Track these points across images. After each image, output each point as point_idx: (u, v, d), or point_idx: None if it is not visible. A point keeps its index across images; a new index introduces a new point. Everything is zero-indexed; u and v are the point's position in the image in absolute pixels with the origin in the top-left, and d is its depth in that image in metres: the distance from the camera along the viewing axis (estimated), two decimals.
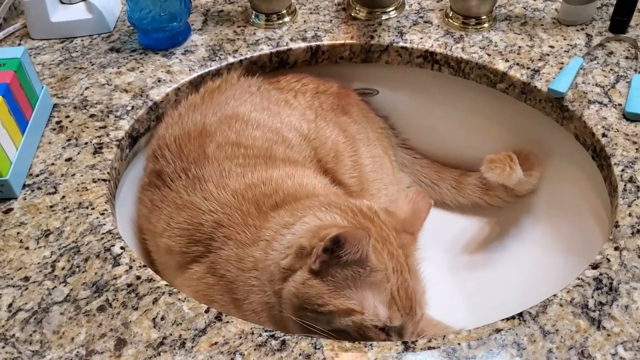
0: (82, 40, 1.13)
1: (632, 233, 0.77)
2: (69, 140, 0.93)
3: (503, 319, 0.69)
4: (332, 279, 0.72)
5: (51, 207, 0.83)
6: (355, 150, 1.02)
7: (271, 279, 0.76)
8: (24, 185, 0.86)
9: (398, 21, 1.13)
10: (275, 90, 1.04)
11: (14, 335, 0.69)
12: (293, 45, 1.10)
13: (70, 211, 0.82)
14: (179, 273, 0.84)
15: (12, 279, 0.75)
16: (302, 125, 0.99)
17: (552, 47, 1.06)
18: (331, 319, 0.71)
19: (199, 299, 0.74)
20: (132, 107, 0.98)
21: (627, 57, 1.02)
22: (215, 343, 0.67)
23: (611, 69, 1.00)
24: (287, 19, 1.14)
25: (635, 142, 0.88)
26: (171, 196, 0.88)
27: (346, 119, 1.06)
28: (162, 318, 0.70)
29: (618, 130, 0.90)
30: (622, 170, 0.85)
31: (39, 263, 0.76)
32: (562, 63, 1.02)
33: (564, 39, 1.07)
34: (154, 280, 0.74)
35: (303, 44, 1.10)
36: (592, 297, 0.71)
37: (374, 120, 1.15)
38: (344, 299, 0.71)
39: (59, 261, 0.77)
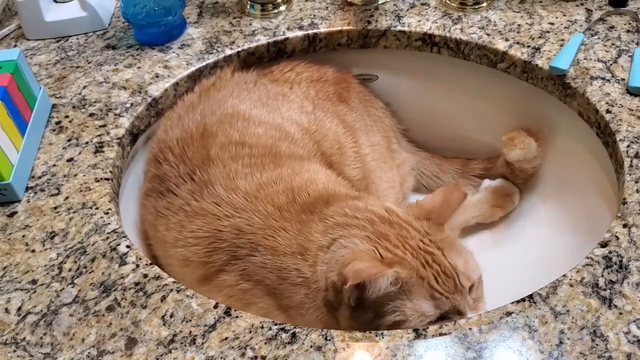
0: (77, 38, 1.12)
1: None
2: (69, 140, 0.92)
3: (513, 302, 0.69)
4: (372, 306, 0.73)
5: (55, 208, 0.83)
6: (356, 141, 1.01)
7: (325, 295, 0.76)
8: (27, 188, 0.86)
9: (395, 5, 1.12)
10: (271, 83, 1.03)
11: (24, 338, 0.69)
12: (290, 35, 1.09)
13: (74, 212, 0.82)
14: (205, 283, 0.82)
15: (19, 282, 0.75)
16: (302, 118, 0.98)
17: (552, 24, 1.04)
18: (388, 329, 0.72)
19: (234, 304, 0.74)
20: (131, 104, 0.97)
21: (628, 31, 1.01)
22: (226, 338, 0.67)
23: (613, 44, 0.99)
24: (282, 8, 1.13)
25: None
26: (178, 203, 0.86)
27: (343, 108, 1.05)
28: (172, 315, 0.70)
29: (622, 106, 0.89)
30: (628, 146, 0.84)
31: (45, 265, 0.76)
32: (562, 40, 1.01)
33: (564, 15, 1.06)
34: (162, 278, 0.74)
35: (300, 33, 1.09)
36: (602, 275, 0.70)
37: (371, 102, 1.14)
38: (389, 315, 0.73)
39: (65, 262, 0.76)
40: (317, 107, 1.02)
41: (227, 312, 0.70)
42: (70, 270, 0.76)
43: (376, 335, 0.66)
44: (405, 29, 1.07)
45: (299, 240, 0.78)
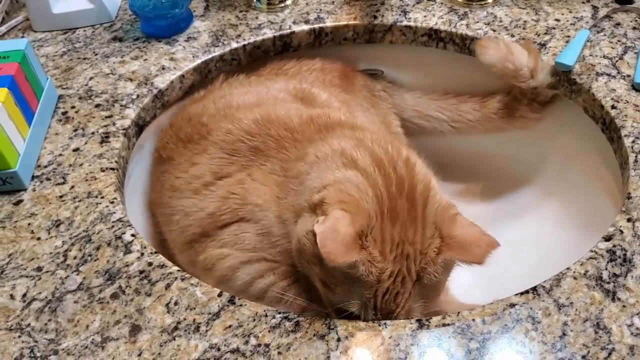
0: (84, 30, 1.13)
1: None
2: (75, 130, 0.93)
3: (517, 294, 0.69)
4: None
5: (61, 197, 0.83)
6: (351, 113, 1.01)
7: (302, 196, 0.75)
8: (33, 177, 0.86)
9: (401, 0, 1.12)
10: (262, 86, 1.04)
11: (29, 324, 0.70)
12: (296, 29, 1.09)
13: (79, 201, 0.83)
14: (209, 186, 0.84)
15: (25, 269, 0.75)
16: (292, 86, 1.00)
17: (557, 20, 1.05)
18: (315, 280, 0.71)
19: (233, 201, 0.78)
20: (137, 96, 0.98)
21: (634, 28, 1.01)
22: (230, 326, 0.68)
23: (618, 41, 0.99)
24: (289, 1, 1.14)
25: None
26: (188, 154, 0.90)
27: (335, 89, 1.05)
28: (176, 303, 0.70)
29: (628, 102, 0.89)
30: (633, 141, 0.84)
31: (51, 253, 0.77)
32: (568, 36, 1.01)
33: (570, 12, 1.06)
34: (166, 266, 0.74)
35: (306, 27, 1.09)
36: (606, 269, 0.70)
37: (366, 87, 1.13)
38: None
39: (70, 250, 0.77)
40: (312, 85, 1.02)
41: (231, 301, 0.70)
42: (75, 258, 0.76)
43: (379, 325, 0.67)
44: (411, 24, 1.08)
45: (303, 151, 0.80)
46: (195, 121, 0.93)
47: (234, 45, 1.07)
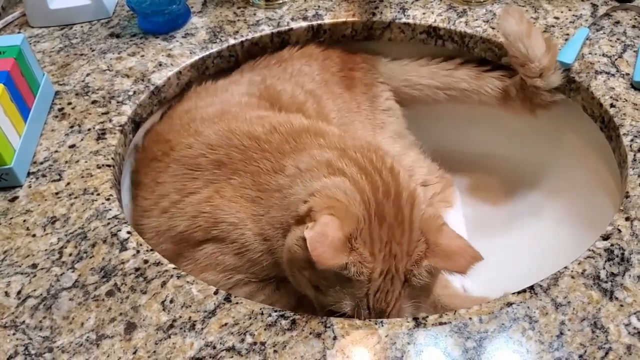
0: (81, 26, 1.12)
1: None
2: (71, 127, 0.92)
3: (514, 293, 0.69)
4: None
5: (56, 194, 0.83)
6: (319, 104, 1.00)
7: (287, 210, 0.75)
8: (29, 173, 0.86)
9: None
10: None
11: (24, 321, 0.69)
12: (294, 25, 1.09)
13: (75, 197, 0.82)
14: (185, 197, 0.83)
15: (20, 266, 0.75)
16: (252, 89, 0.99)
17: (557, 18, 1.04)
18: (306, 287, 0.72)
19: (204, 220, 0.78)
20: (134, 92, 0.97)
21: (634, 26, 1.01)
22: (225, 324, 0.67)
23: (618, 39, 0.99)
24: None
25: None
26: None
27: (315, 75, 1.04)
28: (171, 301, 0.70)
29: (626, 100, 0.89)
30: (632, 140, 0.84)
31: (46, 250, 0.76)
32: (567, 34, 1.00)
33: (569, 10, 1.05)
34: (162, 264, 0.74)
35: (304, 24, 1.09)
36: (604, 268, 0.70)
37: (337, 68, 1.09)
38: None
39: (66, 247, 0.76)
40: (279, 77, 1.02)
41: (227, 299, 0.70)
42: (70, 255, 0.76)
43: (376, 324, 0.66)
44: (410, 21, 1.07)
45: (281, 162, 0.79)
46: (161, 139, 0.92)
47: (232, 41, 1.06)
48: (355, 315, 0.69)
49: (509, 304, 0.67)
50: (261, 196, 0.78)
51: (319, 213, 0.68)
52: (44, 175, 0.85)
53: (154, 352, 0.65)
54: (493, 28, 1.04)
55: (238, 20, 1.10)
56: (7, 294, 0.72)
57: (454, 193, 1.04)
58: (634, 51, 0.96)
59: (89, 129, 0.91)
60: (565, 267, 0.71)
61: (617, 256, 0.71)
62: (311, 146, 0.81)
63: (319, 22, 1.09)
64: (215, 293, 0.70)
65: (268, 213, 0.77)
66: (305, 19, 1.09)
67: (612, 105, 0.88)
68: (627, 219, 0.75)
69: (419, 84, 1.09)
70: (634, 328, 0.64)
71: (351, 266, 0.66)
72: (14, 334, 0.68)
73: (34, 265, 0.75)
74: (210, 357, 0.64)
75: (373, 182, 0.72)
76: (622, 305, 0.66)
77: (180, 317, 0.68)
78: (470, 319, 0.66)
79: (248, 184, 0.79)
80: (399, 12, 1.09)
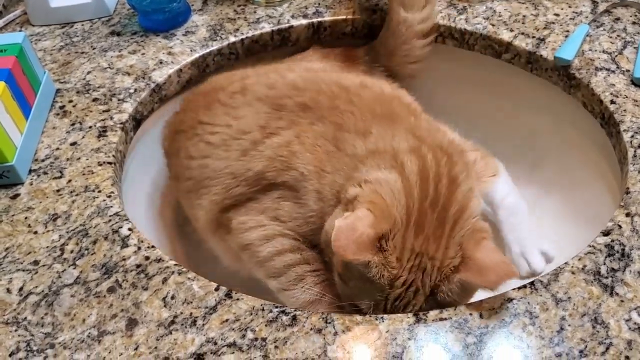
0: (82, 25, 1.12)
1: None
2: (73, 124, 0.92)
3: (514, 288, 0.69)
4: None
5: (58, 191, 0.83)
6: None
7: (347, 182, 0.73)
8: (30, 171, 0.86)
9: None
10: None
11: (25, 318, 0.69)
12: (294, 23, 1.09)
13: (77, 195, 0.82)
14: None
15: (21, 263, 0.75)
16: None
17: (557, 15, 1.04)
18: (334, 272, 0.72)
19: (279, 162, 0.77)
20: (135, 90, 0.98)
21: (634, 23, 1.01)
22: (227, 320, 0.67)
23: (618, 35, 0.99)
24: None
25: None
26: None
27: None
28: (173, 297, 0.70)
29: (627, 97, 0.89)
30: (632, 136, 0.84)
31: (47, 247, 0.76)
32: (567, 31, 1.01)
33: (569, 7, 1.06)
34: (163, 261, 0.74)
35: (304, 21, 1.09)
36: (604, 263, 0.70)
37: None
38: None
39: (67, 244, 0.77)
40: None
41: (228, 295, 0.70)
42: (72, 251, 0.76)
43: (376, 319, 0.66)
44: None
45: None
46: (226, 87, 0.90)
47: (232, 39, 1.06)
48: (372, 314, 0.68)
49: (510, 300, 0.67)
50: (335, 154, 0.76)
51: (360, 205, 0.67)
52: (45, 173, 0.85)
53: (155, 348, 0.65)
54: (493, 25, 1.04)
55: (238, 18, 1.10)
56: (8, 290, 0.72)
57: (495, 161, 0.96)
58: (634, 48, 0.96)
59: (90, 127, 0.92)
60: (566, 263, 0.71)
61: (618, 252, 0.71)
62: (402, 121, 0.78)
63: (319, 19, 1.09)
64: (217, 289, 0.70)
65: (333, 174, 0.75)
66: (305, 16, 1.09)
67: (612, 102, 0.88)
68: (627, 214, 0.75)
69: None
70: (635, 323, 0.64)
71: (373, 266, 0.66)
72: (15, 330, 0.68)
73: (36, 262, 0.75)
74: (211, 353, 0.65)
75: (425, 189, 0.70)
76: (622, 301, 0.67)
77: (182, 313, 0.68)
78: (470, 314, 0.66)
79: (328, 135, 0.77)
80: None
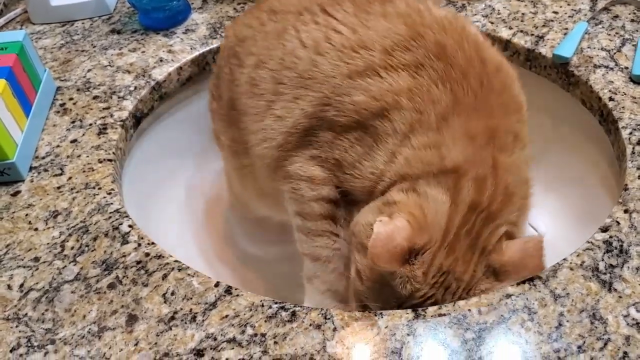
0: (82, 23, 1.13)
1: None
2: (73, 122, 0.93)
3: (513, 284, 0.69)
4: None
5: (58, 188, 0.83)
6: None
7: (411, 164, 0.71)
8: (31, 168, 0.86)
9: None
10: None
11: (26, 314, 0.70)
12: None
13: (77, 192, 0.83)
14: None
15: (22, 259, 0.75)
16: None
17: (556, 12, 1.04)
18: (352, 266, 0.71)
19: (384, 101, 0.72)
20: (135, 88, 0.98)
21: (632, 20, 1.01)
22: (226, 316, 0.68)
23: (617, 33, 0.99)
24: None
25: None
26: None
27: None
28: (172, 293, 0.70)
29: (625, 94, 0.89)
30: (630, 133, 0.84)
31: (48, 243, 0.77)
32: (566, 28, 1.01)
33: (568, 4, 1.06)
34: (163, 257, 0.74)
35: None
36: (603, 259, 0.70)
37: None
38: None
39: (68, 241, 0.77)
40: None
41: (228, 291, 0.70)
42: (72, 248, 0.76)
43: (375, 315, 0.67)
44: None
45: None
46: None
47: None
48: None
49: (508, 296, 0.68)
50: (430, 136, 0.71)
51: (399, 213, 0.66)
52: (45, 170, 0.86)
53: (155, 343, 0.66)
54: (492, 23, 1.04)
55: (238, 16, 1.11)
56: (9, 287, 0.72)
57: None
58: (633, 45, 0.96)
59: (90, 124, 0.92)
60: (564, 259, 0.71)
61: (616, 248, 0.71)
62: (501, 134, 0.72)
63: None
64: (216, 285, 0.71)
65: (412, 155, 0.71)
66: None
67: (610, 99, 0.89)
68: (625, 211, 0.75)
69: None
70: (633, 319, 0.65)
71: (398, 276, 0.66)
72: (16, 326, 0.69)
73: (36, 259, 0.75)
74: (211, 349, 0.65)
75: (466, 220, 0.68)
76: (620, 297, 0.67)
77: (181, 309, 0.69)
78: (469, 310, 0.67)
79: (440, 107, 0.71)
80: None
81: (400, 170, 0.71)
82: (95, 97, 0.96)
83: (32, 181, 0.84)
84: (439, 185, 0.69)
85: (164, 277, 0.72)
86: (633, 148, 0.82)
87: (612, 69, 0.93)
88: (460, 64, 0.72)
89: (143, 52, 1.05)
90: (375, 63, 0.73)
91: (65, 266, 0.74)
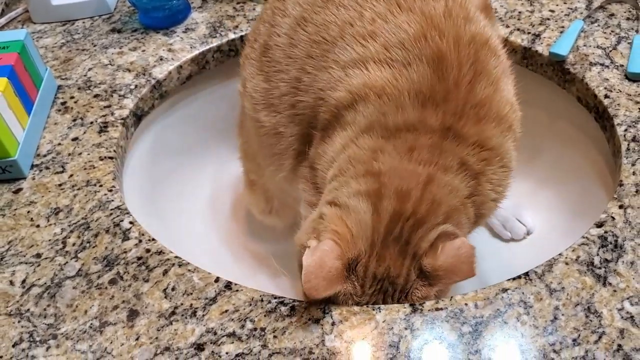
0: (83, 22, 1.14)
1: (637, 191, 0.77)
2: (74, 120, 0.94)
3: (509, 279, 0.70)
4: None
5: (60, 185, 0.84)
6: None
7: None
8: (32, 166, 0.87)
9: None
10: None
11: (28, 309, 0.71)
12: None
13: (78, 189, 0.83)
14: None
15: (24, 256, 0.76)
16: None
17: (552, 11, 1.05)
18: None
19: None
20: (136, 86, 0.99)
21: (628, 19, 1.02)
22: (226, 311, 0.69)
23: (612, 31, 1.00)
24: None
25: (638, 102, 0.88)
26: None
27: None
28: (173, 289, 0.71)
29: (620, 91, 0.90)
30: (625, 130, 0.85)
31: (50, 240, 0.78)
32: (562, 27, 1.02)
33: (564, 3, 1.07)
34: (164, 253, 0.75)
35: None
36: (598, 254, 0.71)
37: None
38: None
39: (69, 237, 0.78)
40: None
41: (228, 286, 0.71)
42: (74, 244, 0.77)
43: (373, 309, 0.68)
44: None
45: None
46: None
47: (232, 36, 1.08)
48: None
49: (504, 290, 0.68)
50: (379, 122, 0.72)
51: (325, 233, 0.67)
52: (47, 168, 0.87)
53: (156, 338, 0.67)
54: None
55: (238, 15, 1.12)
56: (12, 282, 0.73)
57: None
58: (628, 43, 0.97)
59: (91, 122, 0.93)
60: (560, 254, 0.72)
61: (611, 243, 0.72)
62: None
63: None
64: (216, 281, 0.72)
65: (359, 137, 0.72)
66: None
67: (606, 96, 0.89)
68: (620, 206, 0.76)
69: None
70: (627, 312, 0.65)
71: (340, 295, 0.67)
72: (19, 322, 0.69)
73: (38, 255, 0.76)
74: (211, 343, 0.66)
75: (391, 228, 0.68)
76: (615, 291, 0.68)
77: (182, 304, 0.70)
78: (466, 304, 0.67)
79: (397, 91, 0.71)
80: None
81: (342, 164, 0.72)
82: (96, 96, 0.97)
83: (33, 179, 0.85)
84: (359, 194, 0.69)
85: (165, 272, 0.73)
86: (628, 145, 0.83)
87: (607, 66, 0.94)
88: (447, 84, 0.71)
89: (143, 51, 1.05)
90: (369, 56, 0.73)
91: (67, 262, 0.75)
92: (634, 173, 0.80)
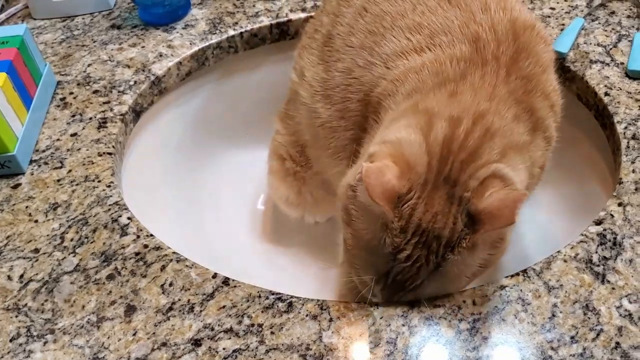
0: (83, 18, 1.13)
1: (636, 189, 0.77)
2: (73, 116, 0.94)
3: (507, 276, 0.70)
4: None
5: (58, 181, 0.84)
6: None
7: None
8: (31, 161, 0.87)
9: None
10: None
11: (26, 304, 0.71)
12: (293, 16, 1.10)
13: (77, 184, 0.83)
14: None
15: (22, 251, 0.76)
16: None
17: (552, 8, 1.05)
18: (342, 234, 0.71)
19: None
20: (135, 82, 0.99)
21: (629, 16, 1.02)
22: (224, 307, 0.68)
23: (613, 29, 1.00)
24: None
25: (638, 100, 0.88)
26: None
27: None
28: (171, 284, 0.71)
29: (621, 89, 0.90)
30: (625, 127, 0.85)
31: (48, 235, 0.78)
32: (563, 24, 1.01)
33: (565, 0, 1.06)
34: (162, 249, 0.75)
35: (303, 14, 1.10)
36: (596, 252, 0.71)
37: None
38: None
39: (67, 233, 0.78)
40: None
41: (226, 282, 0.71)
42: (72, 240, 0.77)
43: (371, 306, 0.67)
44: None
45: None
46: None
47: (231, 32, 1.07)
48: (366, 292, 0.67)
49: (502, 287, 0.68)
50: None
51: (380, 158, 0.64)
52: (46, 163, 0.87)
53: (154, 333, 0.67)
54: None
55: (237, 11, 1.11)
56: (9, 277, 0.73)
57: None
58: (629, 41, 0.97)
59: (90, 118, 0.93)
60: (558, 252, 0.72)
61: (610, 240, 0.72)
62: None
63: None
64: (214, 277, 0.72)
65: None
66: (303, 10, 1.10)
67: (606, 94, 0.89)
68: (619, 204, 0.76)
69: None
70: (625, 310, 0.65)
71: (379, 230, 0.63)
72: (16, 317, 0.69)
73: (36, 250, 0.76)
74: (208, 339, 0.66)
75: (443, 163, 0.65)
76: (613, 288, 0.67)
77: (179, 300, 0.70)
78: (464, 301, 0.67)
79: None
80: None
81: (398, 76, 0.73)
82: (95, 92, 0.97)
83: (32, 174, 0.85)
84: (409, 126, 0.67)
85: (162, 268, 0.73)
86: (628, 142, 0.83)
87: (608, 64, 0.94)
88: (485, 55, 0.72)
89: (143, 47, 1.05)
90: (411, 48, 0.76)
91: (65, 257, 0.75)
92: (633, 171, 0.79)
